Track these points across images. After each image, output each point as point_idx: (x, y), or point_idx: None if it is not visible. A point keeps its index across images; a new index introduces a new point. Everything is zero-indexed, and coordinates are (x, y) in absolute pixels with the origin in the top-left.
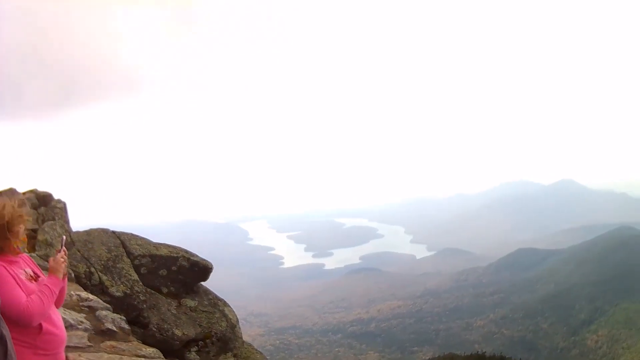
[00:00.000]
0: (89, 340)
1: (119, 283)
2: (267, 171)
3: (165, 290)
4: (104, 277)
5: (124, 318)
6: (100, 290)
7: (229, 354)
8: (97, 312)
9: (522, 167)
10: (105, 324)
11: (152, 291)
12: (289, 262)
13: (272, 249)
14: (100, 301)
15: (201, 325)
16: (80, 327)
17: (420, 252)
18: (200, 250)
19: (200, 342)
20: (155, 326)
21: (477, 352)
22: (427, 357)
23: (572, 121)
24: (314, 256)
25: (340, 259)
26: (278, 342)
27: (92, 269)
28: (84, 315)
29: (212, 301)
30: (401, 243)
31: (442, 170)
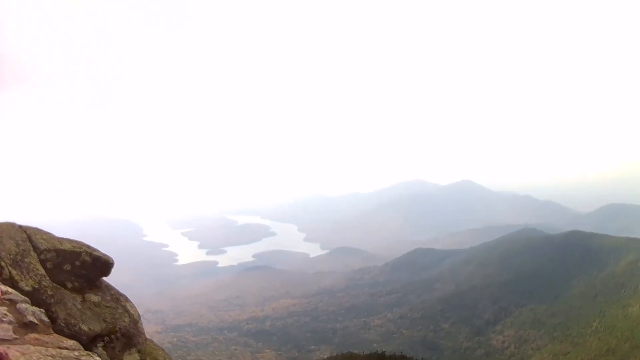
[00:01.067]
0: (14, 332)
1: (28, 278)
2: (162, 167)
3: (69, 285)
4: (14, 272)
5: (43, 311)
6: (10, 284)
7: (134, 349)
8: (18, 305)
9: (417, 167)
10: (27, 317)
11: (58, 286)
12: (183, 259)
13: (166, 245)
14: (19, 294)
15: (106, 321)
16: (4, 319)
17: (314, 250)
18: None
19: (106, 337)
20: (63, 321)
21: (377, 351)
22: (325, 356)
23: (471, 123)
24: (207, 253)
25: (233, 256)
26: (175, 339)
27: (3, 263)
28: (6, 308)
29: (114, 296)
30: (294, 241)
31: (336, 169)
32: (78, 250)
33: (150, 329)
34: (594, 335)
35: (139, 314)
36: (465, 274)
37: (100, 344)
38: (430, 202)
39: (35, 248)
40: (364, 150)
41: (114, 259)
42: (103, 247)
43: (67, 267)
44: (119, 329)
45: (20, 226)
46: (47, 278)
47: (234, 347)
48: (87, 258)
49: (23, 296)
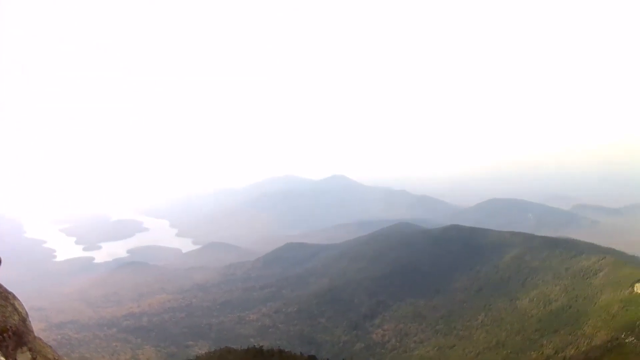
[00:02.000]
0: None
1: None
2: (47, 166)
3: None
4: None
5: None
6: None
7: (25, 348)
8: None
9: (289, 163)
10: None
11: None
12: (61, 256)
13: (45, 241)
14: None
15: None
16: None
17: (186, 245)
18: None
19: None
20: None
21: (254, 345)
22: (203, 352)
23: (344, 118)
24: (84, 249)
25: (108, 252)
26: (59, 336)
27: None
28: None
29: (2, 294)
30: (167, 237)
31: (209, 165)
32: None
33: (35, 326)
34: (481, 328)
35: (26, 312)
36: (339, 269)
37: None
38: (302, 197)
39: None
40: (237, 147)
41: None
42: None
43: None
44: (10, 327)
45: None
46: None
47: (114, 344)
48: None
49: None
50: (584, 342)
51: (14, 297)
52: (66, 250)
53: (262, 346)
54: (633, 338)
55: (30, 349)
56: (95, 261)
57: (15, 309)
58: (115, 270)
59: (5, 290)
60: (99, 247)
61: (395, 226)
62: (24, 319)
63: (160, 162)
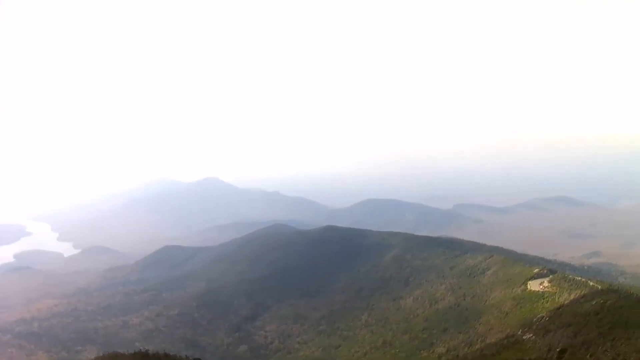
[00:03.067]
0: None
1: None
2: None
3: None
4: None
5: None
6: None
7: None
8: None
9: (162, 166)
10: None
11: None
12: None
13: None
14: None
15: None
16: None
17: (68, 250)
18: None
19: None
20: None
21: (140, 350)
22: (92, 357)
23: (216, 121)
24: None
25: None
26: None
27: None
28: None
29: None
30: (49, 241)
31: (82, 170)
32: None
33: None
34: (365, 328)
35: None
36: (217, 271)
37: None
38: (176, 199)
39: None
40: (107, 150)
41: None
42: None
43: None
44: None
45: None
46: None
47: (10, 350)
48: None
49: None
50: (477, 340)
51: None
52: None
53: (147, 350)
54: (531, 334)
55: None
56: None
57: None
58: (3, 276)
59: None
60: None
61: (270, 228)
62: None
63: (50, 166)
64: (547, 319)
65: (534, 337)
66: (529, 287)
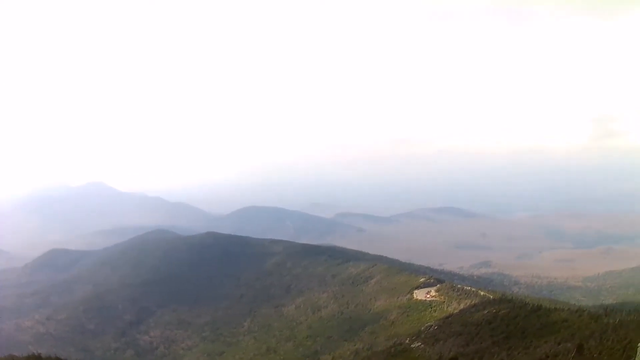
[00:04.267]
0: None
1: None
2: None
3: None
4: None
5: None
6: None
7: None
8: None
9: (46, 169)
10: None
11: None
12: None
13: None
14: None
15: None
16: None
17: None
18: None
19: None
20: None
21: (33, 353)
22: None
23: (102, 125)
24: None
25: None
26: None
27: None
28: None
29: None
30: None
31: None
32: None
33: None
34: (248, 335)
35: None
36: (102, 275)
37: None
38: (61, 203)
39: None
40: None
41: None
42: None
43: None
44: None
45: None
46: None
47: None
48: None
49: None
50: (363, 348)
51: None
52: None
53: (40, 353)
54: (420, 343)
55: None
56: None
57: None
58: None
59: None
60: None
61: (152, 233)
62: None
63: None
64: (436, 327)
65: (423, 345)
66: (414, 296)
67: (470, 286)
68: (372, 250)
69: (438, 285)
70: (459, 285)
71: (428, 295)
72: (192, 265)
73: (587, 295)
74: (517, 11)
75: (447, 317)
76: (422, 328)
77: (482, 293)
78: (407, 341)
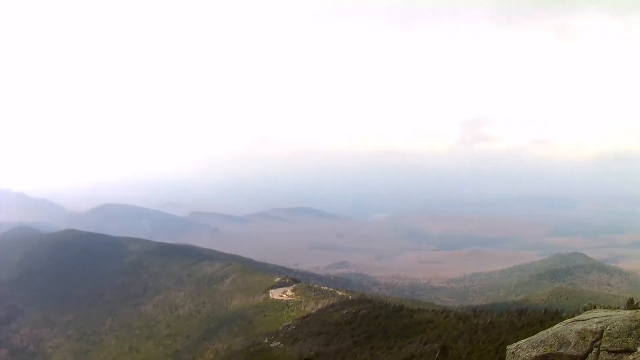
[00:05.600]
0: None
1: None
2: None
3: None
4: None
5: None
6: None
7: None
8: None
9: None
10: None
11: None
12: None
13: None
14: None
15: None
16: None
17: None
18: None
19: None
20: None
21: None
22: None
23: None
24: None
25: None
26: None
27: None
28: None
29: None
30: None
31: None
32: None
33: None
34: (110, 333)
35: None
36: None
37: None
38: None
39: None
40: None
41: None
42: None
43: None
44: None
45: None
46: None
47: None
48: None
49: None
50: (222, 347)
51: None
52: None
53: None
54: (279, 342)
55: None
56: None
57: None
58: None
59: None
60: None
61: (15, 230)
62: None
63: None
64: (294, 327)
65: (282, 345)
66: (270, 295)
67: (327, 286)
68: (227, 250)
69: (294, 285)
70: (315, 285)
71: (284, 295)
72: (54, 263)
73: (454, 296)
74: (383, 13)
75: (305, 317)
76: (280, 328)
77: (340, 293)
78: (265, 340)
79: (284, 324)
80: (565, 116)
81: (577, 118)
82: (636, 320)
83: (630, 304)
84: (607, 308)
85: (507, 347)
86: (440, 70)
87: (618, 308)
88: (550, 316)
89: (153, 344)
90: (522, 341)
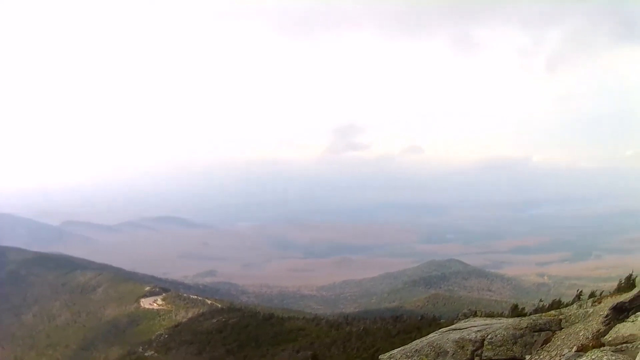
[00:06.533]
0: None
1: None
2: None
3: None
4: None
5: None
6: None
7: None
8: None
9: None
10: None
11: None
12: None
13: None
14: None
15: None
16: None
17: None
18: None
19: None
20: None
21: None
22: None
23: None
24: None
25: None
26: None
27: None
28: None
29: None
30: None
31: None
32: None
33: None
34: None
35: None
36: None
37: None
38: None
39: None
40: None
41: None
42: None
43: None
44: None
45: None
46: None
47: None
48: None
49: None
50: (100, 357)
51: None
52: None
53: None
54: (153, 352)
55: None
56: None
57: None
58: None
59: None
60: None
61: None
62: None
63: None
64: (166, 336)
65: (156, 354)
66: (142, 304)
67: (197, 295)
68: (98, 259)
69: (164, 294)
70: (184, 294)
71: (154, 304)
72: None
73: (324, 304)
74: (262, 17)
75: (176, 326)
76: (153, 337)
77: (209, 302)
78: (140, 350)
79: (157, 333)
80: (440, 125)
81: (452, 127)
82: (521, 329)
83: (515, 310)
84: (489, 314)
85: (380, 357)
86: (317, 78)
87: (502, 313)
88: (428, 323)
89: (36, 354)
90: (396, 350)
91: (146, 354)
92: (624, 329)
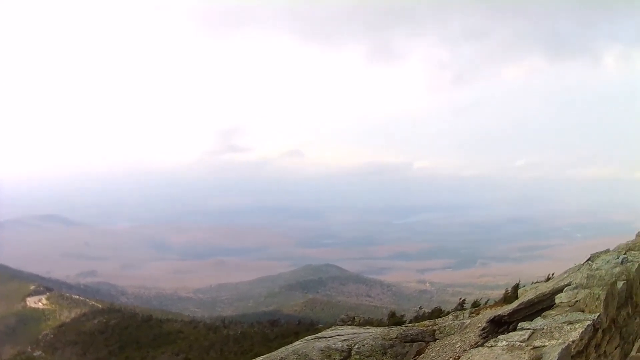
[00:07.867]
0: None
1: None
2: None
3: None
4: None
5: None
6: None
7: None
8: None
9: None
10: None
11: None
12: None
13: None
14: None
15: None
16: None
17: None
18: None
19: None
20: None
21: None
22: None
23: None
24: None
25: None
26: None
27: None
28: None
29: None
30: None
31: None
32: None
33: None
34: None
35: None
36: None
37: None
38: None
39: None
40: None
41: None
42: None
43: None
44: None
45: None
46: None
47: None
48: None
49: None
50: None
51: None
52: None
53: None
54: (41, 352)
55: None
56: None
57: None
58: None
59: None
60: None
61: None
62: None
63: None
64: (52, 336)
65: (43, 354)
66: (28, 304)
67: (79, 295)
68: None
69: (48, 294)
70: (67, 294)
71: (40, 304)
72: None
73: (201, 306)
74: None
75: (60, 326)
76: (41, 336)
77: (91, 302)
78: (29, 349)
79: (44, 333)
80: (326, 132)
81: (338, 134)
82: (390, 339)
83: (393, 317)
84: (368, 320)
85: None
86: (214, 79)
87: (382, 320)
88: (306, 327)
89: None
90: (260, 358)
91: (35, 354)
92: (478, 355)
